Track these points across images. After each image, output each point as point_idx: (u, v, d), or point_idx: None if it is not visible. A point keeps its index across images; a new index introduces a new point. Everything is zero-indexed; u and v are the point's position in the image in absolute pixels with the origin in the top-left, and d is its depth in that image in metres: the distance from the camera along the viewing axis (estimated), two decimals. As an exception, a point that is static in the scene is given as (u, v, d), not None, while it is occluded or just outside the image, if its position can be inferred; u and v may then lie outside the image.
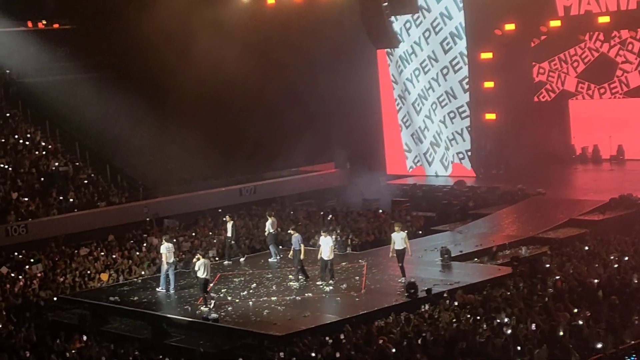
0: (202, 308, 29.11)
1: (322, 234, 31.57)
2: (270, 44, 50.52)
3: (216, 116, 52.05)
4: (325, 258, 30.72)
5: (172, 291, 31.83)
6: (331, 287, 30.38)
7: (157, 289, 32.10)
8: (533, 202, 41.82)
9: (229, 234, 35.77)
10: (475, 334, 21.76)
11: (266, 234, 35.96)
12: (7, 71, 51.19)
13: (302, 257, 31.52)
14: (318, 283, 30.76)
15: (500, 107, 48.66)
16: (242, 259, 35.84)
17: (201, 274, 29.48)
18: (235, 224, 36.64)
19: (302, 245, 31.66)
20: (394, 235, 30.72)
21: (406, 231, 31.46)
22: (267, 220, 35.97)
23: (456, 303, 26.07)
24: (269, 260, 35.34)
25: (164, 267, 32.04)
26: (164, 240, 33.03)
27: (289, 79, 50.14)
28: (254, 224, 41.76)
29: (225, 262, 35.50)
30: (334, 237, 37.24)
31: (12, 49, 50.31)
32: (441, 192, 46.17)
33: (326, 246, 30.70)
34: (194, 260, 30.42)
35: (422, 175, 50.05)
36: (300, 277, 31.54)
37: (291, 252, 32.01)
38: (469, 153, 48.44)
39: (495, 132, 49.30)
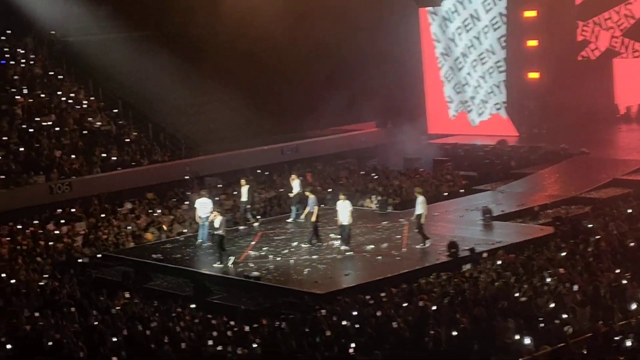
0: (215, 265, 29.62)
1: (340, 197, 31.08)
2: (310, 1, 50.27)
3: (258, 75, 52.01)
4: (343, 223, 30.39)
5: (205, 244, 32.16)
6: (350, 253, 30.03)
7: (201, 244, 32.30)
8: (576, 161, 41.59)
9: (244, 199, 35.21)
10: (516, 294, 21.73)
11: (292, 195, 35.42)
12: (52, 31, 51.38)
13: (313, 219, 31.29)
14: (342, 248, 30.39)
15: (544, 66, 48.25)
16: (256, 224, 35.16)
17: (220, 230, 29.74)
18: (251, 187, 36.04)
19: (316, 208, 31.32)
20: (417, 200, 30.35)
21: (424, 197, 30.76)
22: (293, 181, 35.55)
23: (498, 263, 26.02)
24: (287, 220, 35.28)
25: (198, 221, 32.34)
26: (200, 196, 33.27)
27: (330, 37, 49.90)
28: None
29: (241, 227, 35.01)
30: (374, 198, 37.35)
31: (56, 9, 50.43)
32: (483, 151, 46.00)
33: (343, 210, 30.25)
34: (211, 217, 30.65)
35: (461, 133, 49.84)
36: (313, 240, 31.33)
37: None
38: (505, 104, 48.48)
39: (538, 91, 48.95)
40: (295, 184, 35.32)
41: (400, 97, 50.35)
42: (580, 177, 38.75)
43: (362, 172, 43.92)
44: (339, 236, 30.69)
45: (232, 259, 29.65)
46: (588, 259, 24.76)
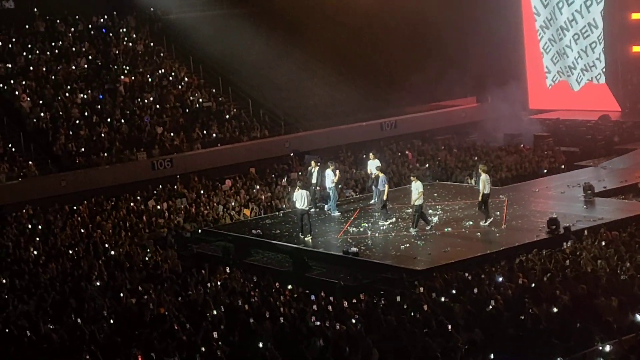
0: (301, 236, 30.14)
1: (411, 178, 30.60)
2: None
3: (357, 51, 52.03)
4: (413, 203, 29.86)
5: (335, 213, 32.61)
6: (415, 234, 29.58)
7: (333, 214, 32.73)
8: (681, 137, 40.77)
9: (314, 181, 33.91)
10: (618, 272, 21.42)
11: (373, 176, 33.49)
12: (152, 9, 52.07)
13: (384, 197, 30.81)
14: (410, 230, 29.87)
15: (649, 39, 47.25)
16: (313, 209, 33.14)
17: (299, 204, 30.15)
18: (320, 170, 34.45)
19: (386, 186, 30.84)
20: (480, 178, 29.81)
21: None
22: (369, 160, 34.31)
23: (600, 240, 25.62)
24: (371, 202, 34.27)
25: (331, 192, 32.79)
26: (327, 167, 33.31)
27: (430, 13, 49.60)
28: (394, 160, 41.70)
29: (312, 210, 33.06)
30: (474, 174, 36.95)
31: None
32: (585, 126, 45.34)
33: (415, 191, 29.64)
34: (295, 190, 30.98)
35: (566, 109, 49.13)
36: (387, 218, 30.95)
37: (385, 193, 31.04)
38: (604, 69, 47.77)
39: (642, 65, 47.97)
40: (373, 164, 33.82)
41: (503, 73, 49.66)
42: (686, 153, 38.00)
43: (454, 150, 43.46)
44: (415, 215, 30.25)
45: (308, 236, 30.05)
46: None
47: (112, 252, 29.42)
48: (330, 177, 32.80)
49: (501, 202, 32.91)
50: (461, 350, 17.15)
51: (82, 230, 32.62)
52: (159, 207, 35.59)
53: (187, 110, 45.67)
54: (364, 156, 42.38)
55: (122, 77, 46.59)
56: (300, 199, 30.09)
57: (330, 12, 51.39)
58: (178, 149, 42.37)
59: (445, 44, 49.31)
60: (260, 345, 18.44)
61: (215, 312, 21.32)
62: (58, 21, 49.92)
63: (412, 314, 19.92)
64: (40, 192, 37.82)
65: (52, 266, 27.55)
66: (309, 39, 52.00)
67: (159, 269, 27.15)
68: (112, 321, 21.26)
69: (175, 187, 38.22)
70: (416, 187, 29.69)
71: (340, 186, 36.20)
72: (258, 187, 38.08)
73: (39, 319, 21.56)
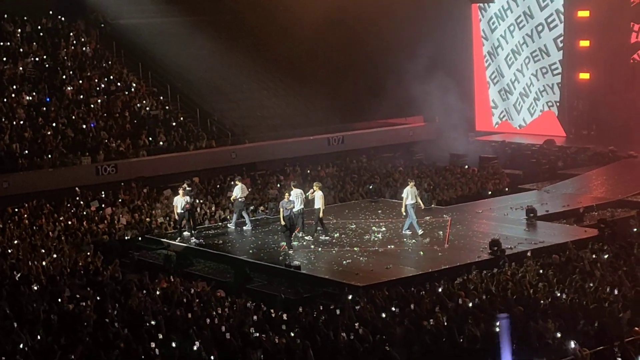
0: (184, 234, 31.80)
1: (292, 187, 31.49)
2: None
3: (307, 65, 52.02)
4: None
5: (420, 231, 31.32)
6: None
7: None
8: (623, 164, 41.25)
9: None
10: (557, 294, 21.58)
11: (233, 200, 33.41)
12: (103, 13, 51.61)
13: (282, 222, 30.53)
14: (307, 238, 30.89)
15: (595, 67, 47.84)
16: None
17: (179, 210, 31.84)
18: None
19: (281, 210, 30.55)
20: (316, 195, 30.80)
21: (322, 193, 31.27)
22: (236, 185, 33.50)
23: (540, 263, 25.83)
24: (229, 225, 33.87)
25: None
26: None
27: (381, 30, 49.79)
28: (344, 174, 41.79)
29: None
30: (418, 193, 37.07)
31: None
32: (530, 150, 45.78)
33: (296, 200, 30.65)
34: (177, 196, 32.40)
35: (508, 132, 49.59)
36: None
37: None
38: (558, 102, 47.96)
39: (588, 92, 48.54)
40: (237, 189, 33.12)
41: (451, 94, 49.94)
42: (628, 180, 38.41)
43: (400, 168, 43.63)
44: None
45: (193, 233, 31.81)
46: (632, 263, 24.52)
47: (53, 256, 29.06)
48: (411, 195, 31.37)
49: (445, 221, 33.09)
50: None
51: (23, 233, 32.23)
52: (101, 212, 35.19)
53: (134, 117, 45.30)
54: (308, 171, 42.45)
55: (69, 78, 46.11)
56: (179, 204, 31.80)
57: (283, 24, 51.38)
58: (123, 155, 42.05)
59: (398, 63, 49.42)
60: (195, 347, 18.31)
61: (153, 321, 21.12)
62: (5, 17, 49.28)
63: (352, 329, 19.89)
64: (-19, 193, 37.40)
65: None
66: (260, 50, 51.97)
67: (99, 275, 26.88)
68: (49, 326, 20.98)
69: (119, 193, 37.89)
70: (296, 195, 30.63)
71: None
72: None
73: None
